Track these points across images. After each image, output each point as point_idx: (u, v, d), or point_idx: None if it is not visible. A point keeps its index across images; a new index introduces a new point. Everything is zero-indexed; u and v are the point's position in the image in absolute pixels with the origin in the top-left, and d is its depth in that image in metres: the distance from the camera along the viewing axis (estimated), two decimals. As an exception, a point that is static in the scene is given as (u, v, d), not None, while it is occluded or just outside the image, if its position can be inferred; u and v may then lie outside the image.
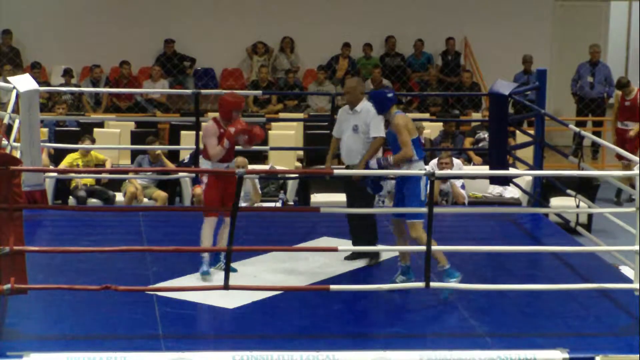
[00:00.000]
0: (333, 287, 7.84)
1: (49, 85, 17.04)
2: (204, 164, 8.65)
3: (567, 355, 7.19)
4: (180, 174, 13.42)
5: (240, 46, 18.59)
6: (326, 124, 14.11)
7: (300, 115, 17.05)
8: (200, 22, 18.41)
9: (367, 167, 8.51)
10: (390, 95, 8.51)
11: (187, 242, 9.50)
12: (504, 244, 8.52)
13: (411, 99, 18.18)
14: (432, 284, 7.63)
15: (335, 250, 8.48)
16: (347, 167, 9.30)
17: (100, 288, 7.34)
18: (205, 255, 8.55)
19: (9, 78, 10.45)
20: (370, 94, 8.83)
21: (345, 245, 9.39)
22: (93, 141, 13.67)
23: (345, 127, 9.22)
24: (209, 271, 8.52)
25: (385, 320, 7.92)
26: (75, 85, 17.29)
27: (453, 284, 8.01)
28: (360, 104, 9.17)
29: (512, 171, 12.19)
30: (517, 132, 14.43)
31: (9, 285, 7.16)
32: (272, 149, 14.00)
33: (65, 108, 15.80)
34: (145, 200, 13.54)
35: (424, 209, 7.86)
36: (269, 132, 16.06)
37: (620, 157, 14.83)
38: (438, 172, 11.79)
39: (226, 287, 7.46)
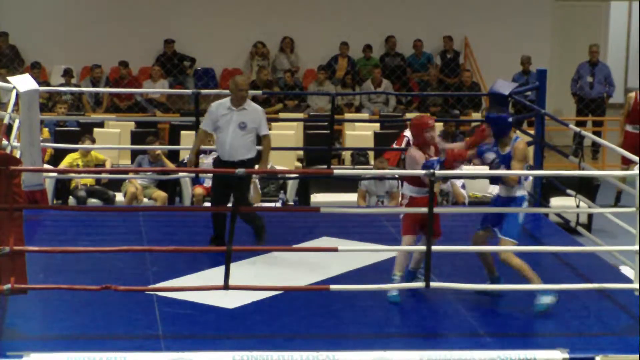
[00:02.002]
0: (333, 287, 7.83)
1: (49, 85, 17.04)
2: (407, 190, 8.30)
3: (567, 355, 7.19)
4: (180, 174, 13.43)
5: (240, 46, 18.60)
6: (326, 124, 14.12)
7: (300, 115, 17.06)
8: (200, 22, 18.42)
9: (482, 155, 8.25)
10: (510, 120, 8.19)
11: (187, 242, 9.52)
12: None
13: (411, 99, 18.18)
14: (432, 284, 7.62)
15: (335, 250, 8.46)
16: (232, 164, 9.25)
17: (100, 288, 7.35)
18: (397, 274, 8.24)
19: (9, 78, 10.46)
20: (489, 117, 8.30)
21: (346, 245, 9.40)
22: (93, 141, 13.67)
23: (225, 123, 9.36)
24: (398, 297, 8.11)
25: (385, 320, 7.92)
26: (75, 85, 17.30)
27: (454, 284, 7.97)
28: (247, 101, 9.44)
29: (512, 171, 12.16)
30: (517, 132, 14.42)
31: (9, 285, 7.16)
32: (272, 149, 13.96)
33: (66, 108, 15.80)
34: (145, 200, 13.54)
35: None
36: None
37: (627, 161, 14.82)
38: (438, 172, 11.80)
39: (226, 287, 7.46)
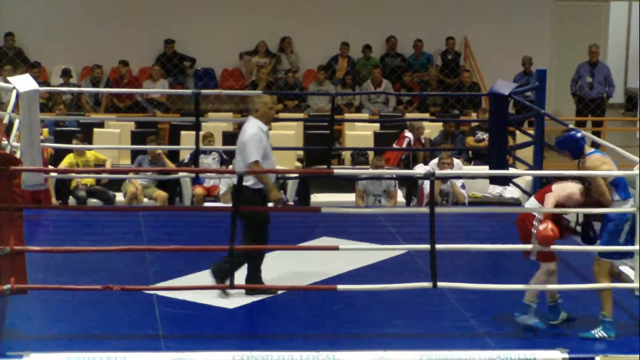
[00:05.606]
0: (340, 286, 7.82)
1: (49, 85, 17.04)
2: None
3: (567, 355, 7.20)
4: (180, 174, 13.42)
5: (241, 46, 18.59)
6: (326, 124, 14.10)
7: (300, 115, 17.06)
8: (200, 22, 18.41)
9: None
10: (579, 134, 7.83)
11: (187, 242, 9.51)
12: (504, 244, 8.53)
13: (411, 99, 18.18)
14: (440, 284, 7.59)
15: (336, 249, 8.46)
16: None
17: (101, 288, 7.35)
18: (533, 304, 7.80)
19: (9, 78, 10.45)
20: (558, 141, 7.91)
21: (346, 245, 9.40)
22: (82, 140, 13.60)
23: (269, 148, 8.50)
24: (540, 323, 7.76)
25: (385, 320, 7.92)
26: (75, 85, 17.29)
27: (460, 284, 7.91)
28: None
29: (512, 171, 12.19)
30: (517, 132, 14.44)
31: (9, 285, 7.16)
32: (272, 148, 13.93)
33: (64, 109, 15.79)
34: (145, 200, 13.54)
35: (620, 248, 7.65)
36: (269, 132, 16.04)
37: None
38: (438, 172, 11.81)
39: (232, 286, 7.46)
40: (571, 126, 8.47)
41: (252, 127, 8.34)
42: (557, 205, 7.70)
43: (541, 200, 7.78)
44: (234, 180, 8.15)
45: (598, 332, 7.64)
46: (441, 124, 16.06)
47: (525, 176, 12.55)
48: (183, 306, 7.99)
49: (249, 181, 8.21)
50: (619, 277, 7.91)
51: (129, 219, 10.49)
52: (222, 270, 8.14)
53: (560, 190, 7.76)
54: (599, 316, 7.70)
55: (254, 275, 8.26)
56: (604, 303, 7.70)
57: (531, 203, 7.87)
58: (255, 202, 8.25)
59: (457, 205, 12.85)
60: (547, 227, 7.56)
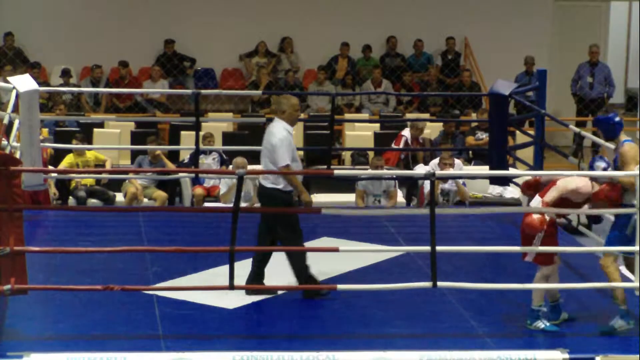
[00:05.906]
0: (340, 286, 7.82)
1: (48, 85, 17.04)
2: None
3: (567, 356, 7.20)
4: (180, 174, 13.42)
5: (241, 46, 18.59)
6: (326, 124, 14.10)
7: (301, 116, 17.05)
8: (200, 22, 18.41)
9: (592, 167, 7.86)
10: (617, 119, 7.83)
11: (187, 242, 9.51)
12: (504, 245, 8.53)
13: (411, 99, 18.18)
14: (440, 284, 7.59)
15: (336, 250, 8.45)
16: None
17: (101, 288, 7.35)
18: (542, 308, 7.84)
19: (9, 78, 10.46)
20: (597, 118, 8.00)
21: (347, 246, 9.39)
22: (82, 140, 13.59)
23: (295, 150, 8.44)
24: (552, 326, 7.78)
25: (385, 320, 7.92)
26: (75, 86, 17.29)
27: (460, 284, 7.91)
28: None
29: (512, 171, 12.18)
30: (517, 132, 14.44)
31: (9, 286, 7.16)
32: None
33: (64, 109, 15.79)
34: (145, 200, 13.54)
35: (629, 248, 7.69)
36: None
37: None
38: (438, 172, 11.81)
39: (232, 287, 7.46)
40: (615, 110, 8.44)
41: (281, 130, 8.33)
42: (561, 199, 7.73)
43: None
44: (264, 183, 8.22)
45: (617, 322, 7.66)
46: (441, 124, 16.06)
47: (525, 176, 12.53)
48: (183, 306, 7.99)
49: (280, 184, 8.30)
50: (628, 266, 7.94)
51: (129, 219, 10.49)
52: (301, 276, 8.28)
53: (567, 184, 7.79)
54: (614, 302, 7.71)
55: (300, 272, 8.31)
56: (616, 293, 7.74)
57: (536, 201, 7.87)
58: (289, 204, 8.41)
59: (459, 205, 12.84)
60: (537, 216, 7.59)
